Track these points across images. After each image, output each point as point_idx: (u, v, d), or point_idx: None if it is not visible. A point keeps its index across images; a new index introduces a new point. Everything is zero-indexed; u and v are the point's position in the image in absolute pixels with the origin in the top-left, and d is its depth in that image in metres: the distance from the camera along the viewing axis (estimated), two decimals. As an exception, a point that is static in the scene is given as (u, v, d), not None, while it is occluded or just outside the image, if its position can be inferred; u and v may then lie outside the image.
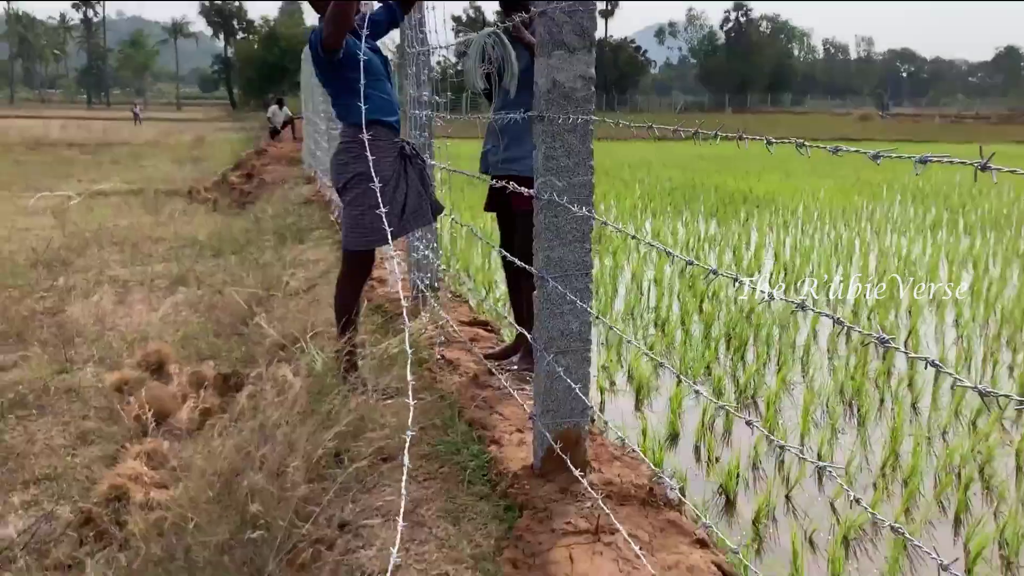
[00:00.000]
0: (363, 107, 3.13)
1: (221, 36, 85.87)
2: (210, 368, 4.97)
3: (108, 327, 6.25)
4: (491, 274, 7.43)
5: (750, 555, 3.08)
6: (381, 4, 3.59)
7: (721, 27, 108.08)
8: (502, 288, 6.51)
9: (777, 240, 9.78)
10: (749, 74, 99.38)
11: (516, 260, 2.81)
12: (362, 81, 3.19)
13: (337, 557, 2.35)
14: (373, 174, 3.29)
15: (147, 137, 32.89)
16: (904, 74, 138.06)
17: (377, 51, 3.44)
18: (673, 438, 4.17)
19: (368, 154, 3.29)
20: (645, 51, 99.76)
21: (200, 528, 3.03)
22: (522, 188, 3.34)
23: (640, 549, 2.27)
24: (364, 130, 3.25)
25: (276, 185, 13.30)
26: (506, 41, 3.25)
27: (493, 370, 3.66)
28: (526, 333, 3.43)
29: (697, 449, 4.08)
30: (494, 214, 3.84)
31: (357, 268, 3.49)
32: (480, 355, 3.93)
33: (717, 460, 3.90)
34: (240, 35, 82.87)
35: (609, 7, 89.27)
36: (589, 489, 2.57)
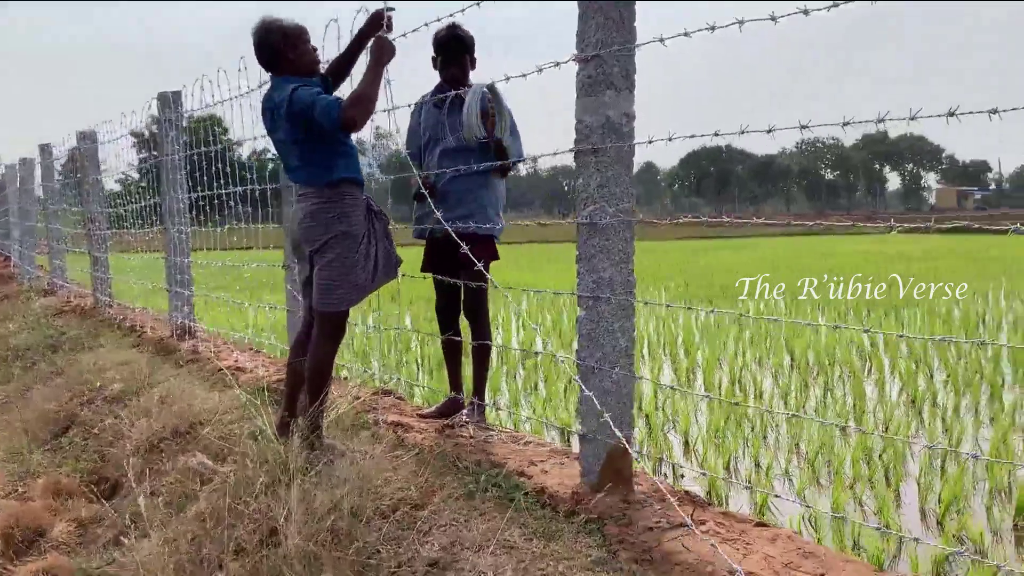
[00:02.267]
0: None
1: None
2: (67, 477, 4.35)
3: None
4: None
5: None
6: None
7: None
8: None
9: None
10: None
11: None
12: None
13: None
14: (351, 232, 3.27)
15: None
16: (565, 187, 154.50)
17: None
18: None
19: (344, 213, 3.28)
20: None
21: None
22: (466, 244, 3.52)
23: (727, 532, 2.49)
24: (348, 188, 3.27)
25: (-5, 302, 11.73)
26: (499, 93, 3.43)
27: (453, 424, 3.69)
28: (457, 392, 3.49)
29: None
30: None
31: (335, 329, 3.35)
32: (417, 416, 3.93)
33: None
34: None
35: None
36: (648, 495, 2.75)
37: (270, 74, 3.40)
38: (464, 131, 3.44)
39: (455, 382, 4.00)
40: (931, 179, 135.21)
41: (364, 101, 3.12)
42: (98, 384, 5.84)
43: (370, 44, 3.34)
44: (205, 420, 4.32)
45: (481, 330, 3.77)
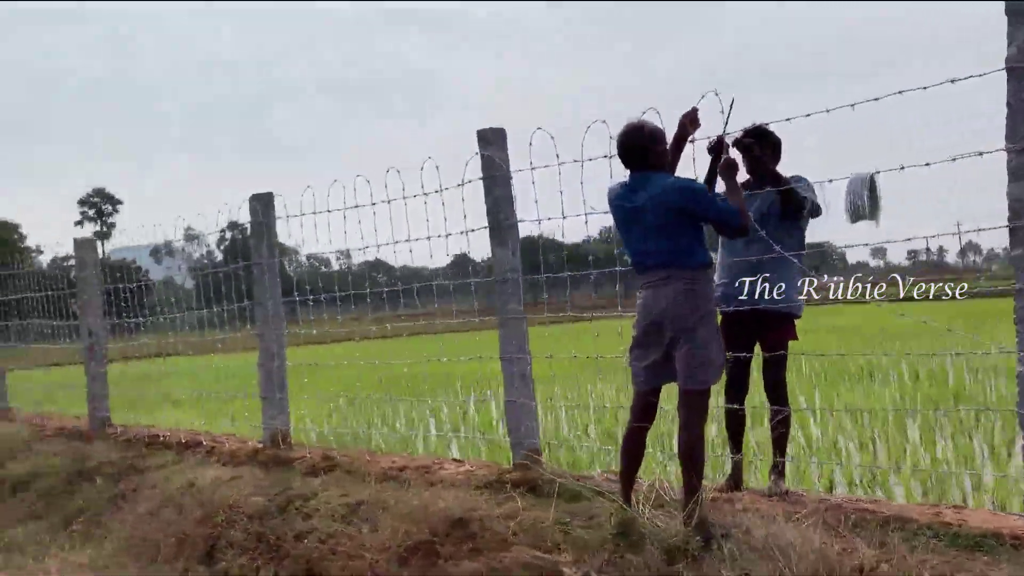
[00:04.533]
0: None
1: None
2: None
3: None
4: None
5: None
6: None
7: (218, 245, 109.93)
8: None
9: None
10: (242, 288, 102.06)
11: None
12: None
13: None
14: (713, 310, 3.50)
15: None
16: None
17: None
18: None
19: (708, 295, 3.51)
20: (146, 271, 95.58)
21: None
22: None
23: None
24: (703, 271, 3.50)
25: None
26: (878, 183, 3.71)
27: (771, 493, 3.88)
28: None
29: None
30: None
31: (705, 406, 3.48)
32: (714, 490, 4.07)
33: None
34: None
35: (105, 229, 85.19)
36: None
37: (629, 170, 3.61)
38: (850, 213, 3.73)
39: (739, 451, 4.19)
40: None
41: (744, 212, 3.54)
42: (229, 503, 5.39)
43: (720, 163, 3.66)
44: (466, 519, 4.19)
45: (783, 402, 4.01)
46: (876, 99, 3.38)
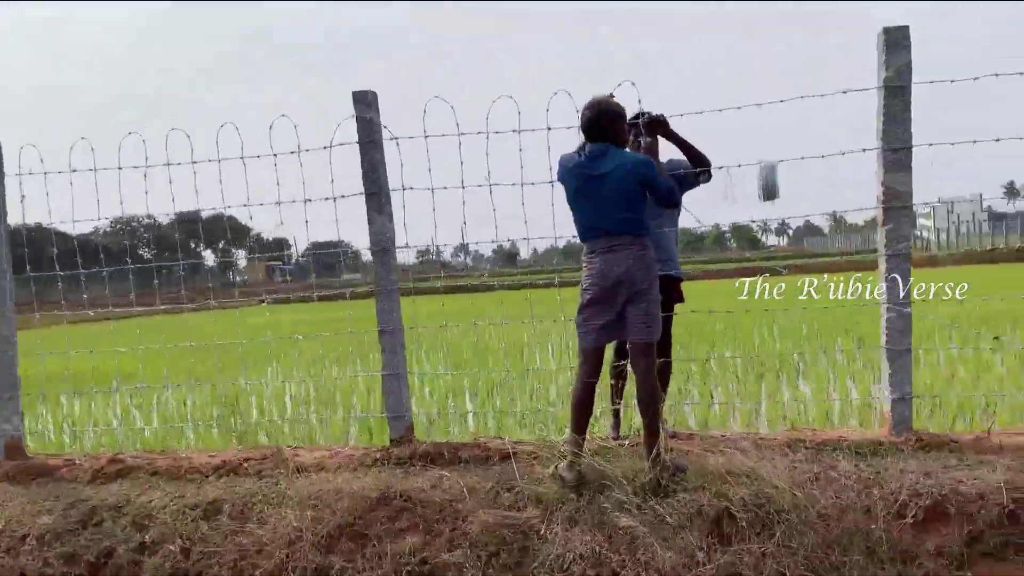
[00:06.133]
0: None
1: None
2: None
3: None
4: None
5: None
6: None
7: None
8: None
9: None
10: None
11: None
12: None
13: None
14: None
15: None
16: None
17: None
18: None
19: (655, 259, 3.92)
20: None
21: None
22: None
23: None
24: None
25: None
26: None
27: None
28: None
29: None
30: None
31: (654, 356, 3.83)
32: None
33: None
34: None
35: None
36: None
37: (590, 141, 3.82)
38: (763, 193, 4.24)
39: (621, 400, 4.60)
40: (241, 255, 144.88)
41: (676, 197, 4.04)
42: (-8, 527, 4.22)
43: (642, 146, 4.16)
44: (387, 495, 3.95)
45: (667, 354, 4.49)
46: (782, 101, 4.10)
